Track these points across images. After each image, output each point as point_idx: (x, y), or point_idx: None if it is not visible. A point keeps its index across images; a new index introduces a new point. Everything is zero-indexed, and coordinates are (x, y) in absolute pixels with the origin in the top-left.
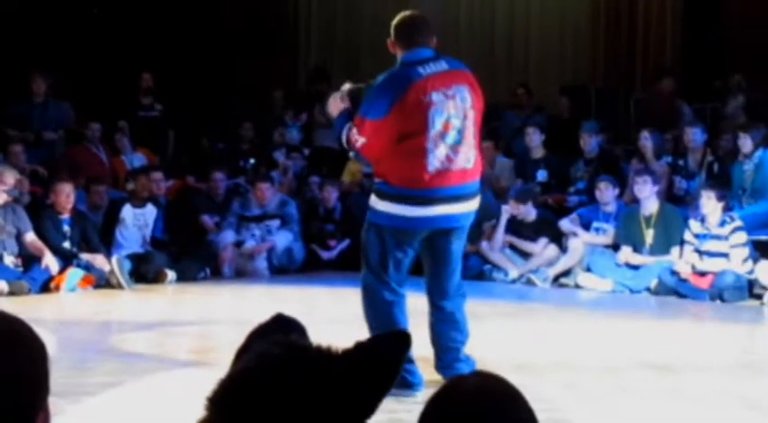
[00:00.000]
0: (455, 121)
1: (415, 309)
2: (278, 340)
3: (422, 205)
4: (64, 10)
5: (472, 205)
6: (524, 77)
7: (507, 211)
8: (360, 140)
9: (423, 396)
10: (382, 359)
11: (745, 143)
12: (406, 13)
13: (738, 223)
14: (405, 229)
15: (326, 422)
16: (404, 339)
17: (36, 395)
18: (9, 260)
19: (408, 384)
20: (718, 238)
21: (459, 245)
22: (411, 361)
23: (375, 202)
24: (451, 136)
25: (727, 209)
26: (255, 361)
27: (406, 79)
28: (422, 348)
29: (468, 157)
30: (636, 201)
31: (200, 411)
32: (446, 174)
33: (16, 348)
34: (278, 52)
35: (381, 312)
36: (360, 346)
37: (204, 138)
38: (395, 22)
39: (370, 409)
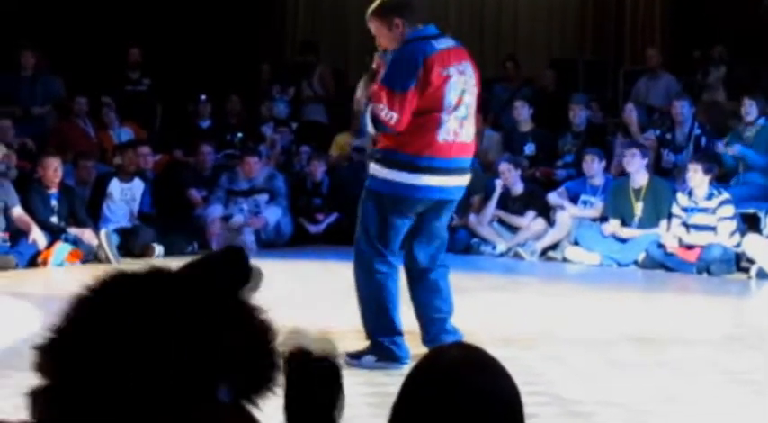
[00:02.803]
0: (466, 97)
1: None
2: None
3: (425, 174)
4: None
5: (466, 180)
6: (513, 50)
7: (500, 184)
8: (393, 116)
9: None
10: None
11: (751, 110)
12: None
13: (726, 196)
14: (405, 198)
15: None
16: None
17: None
18: None
19: (395, 357)
20: (705, 211)
21: (447, 218)
22: (399, 334)
23: (378, 170)
24: (461, 110)
25: (714, 181)
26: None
27: (429, 51)
28: (410, 323)
29: (470, 133)
30: (623, 173)
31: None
32: (451, 146)
33: None
34: (265, 24)
35: (373, 282)
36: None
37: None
38: (391, 2)
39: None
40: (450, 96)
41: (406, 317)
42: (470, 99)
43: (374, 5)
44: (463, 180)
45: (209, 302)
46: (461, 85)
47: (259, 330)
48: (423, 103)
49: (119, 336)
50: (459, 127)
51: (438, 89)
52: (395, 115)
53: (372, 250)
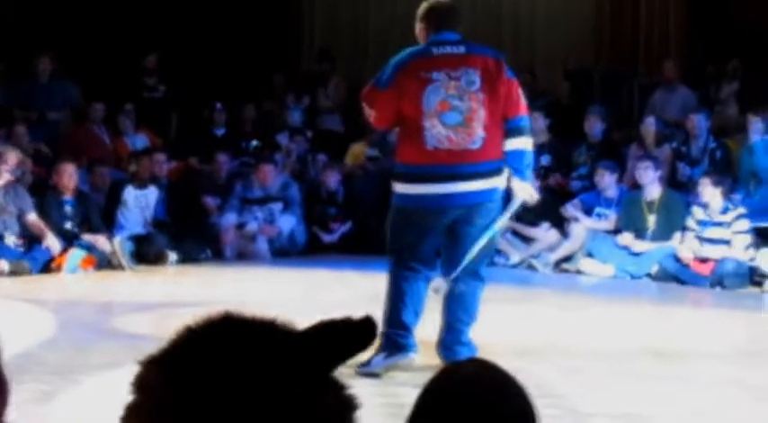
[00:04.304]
0: (454, 102)
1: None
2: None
3: (423, 183)
4: None
5: (480, 185)
6: (529, 62)
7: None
8: (371, 113)
9: (423, 379)
10: (339, 348)
11: (756, 127)
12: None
13: (741, 211)
14: (409, 208)
15: (269, 396)
16: (367, 330)
17: None
18: (11, 240)
19: (401, 346)
20: (720, 224)
21: (470, 227)
22: (405, 328)
23: (393, 184)
24: (451, 116)
25: (729, 194)
26: (190, 334)
27: (414, 54)
28: (425, 332)
29: (474, 140)
30: (637, 185)
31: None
32: (447, 154)
33: None
34: (281, 33)
35: (390, 282)
36: (320, 327)
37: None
38: (422, 8)
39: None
40: (430, 100)
41: (420, 331)
42: (466, 105)
43: None
44: (476, 185)
45: (314, 376)
46: (447, 90)
47: (345, 406)
48: (404, 106)
49: (219, 382)
50: (453, 134)
51: (417, 91)
52: (372, 113)
53: (392, 257)
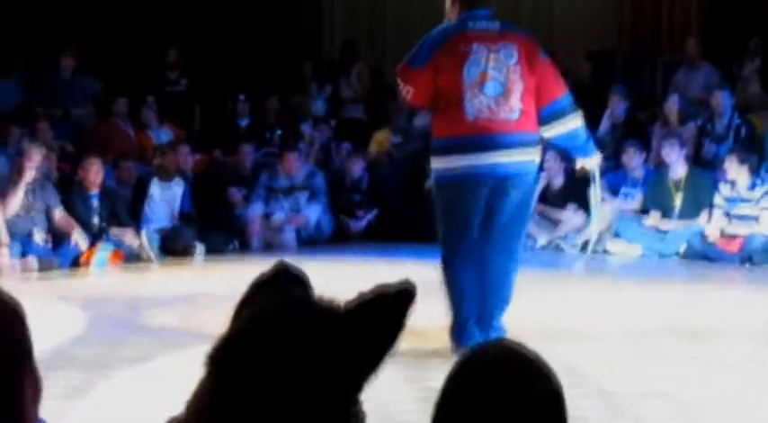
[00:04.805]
0: (494, 73)
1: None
2: (277, 294)
3: (463, 153)
4: None
5: (517, 157)
6: (549, 43)
7: (543, 177)
8: (408, 90)
9: (451, 362)
10: (384, 313)
11: None
12: None
13: None
14: (454, 183)
15: (329, 376)
16: (407, 292)
17: (15, 361)
18: (39, 237)
19: (455, 340)
20: (748, 201)
21: (505, 199)
22: (462, 321)
23: (431, 161)
24: (492, 87)
25: (754, 171)
26: (254, 317)
27: (451, 30)
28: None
29: (513, 109)
30: (662, 164)
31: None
32: (488, 123)
33: None
34: (302, 23)
35: (447, 270)
36: (362, 299)
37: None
38: None
39: (375, 363)
40: (471, 72)
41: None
42: (506, 76)
43: None
44: (517, 156)
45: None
46: (488, 62)
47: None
48: (443, 80)
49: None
50: (494, 104)
51: (457, 64)
52: (409, 89)
53: (443, 239)
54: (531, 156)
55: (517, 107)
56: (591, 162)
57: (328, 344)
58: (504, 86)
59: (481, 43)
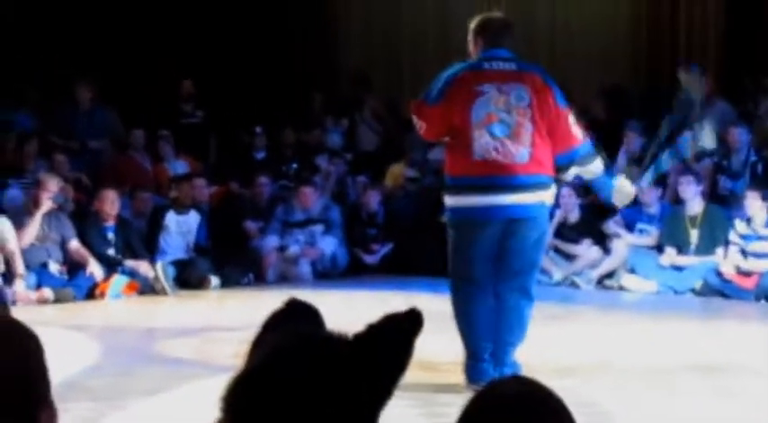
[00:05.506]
0: (501, 115)
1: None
2: (287, 331)
3: (470, 194)
4: (107, 18)
5: (525, 198)
6: (566, 79)
7: (559, 213)
8: (421, 125)
9: (465, 397)
10: (393, 340)
11: None
12: (490, 14)
13: None
14: (463, 221)
15: (343, 407)
16: (414, 319)
17: (32, 391)
18: (54, 267)
19: (468, 377)
20: (764, 238)
21: (518, 241)
22: (474, 356)
23: (444, 198)
24: (498, 128)
25: None
26: (266, 357)
27: (466, 69)
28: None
29: (522, 154)
30: (679, 201)
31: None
32: (495, 164)
33: (4, 346)
34: (317, 55)
35: (454, 304)
36: (370, 329)
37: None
38: (478, 22)
39: (386, 390)
40: (479, 112)
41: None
42: (512, 119)
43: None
44: (519, 198)
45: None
46: (496, 104)
47: None
48: (453, 118)
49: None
50: (500, 145)
51: (467, 103)
52: (423, 125)
53: (452, 275)
54: (542, 198)
55: (526, 149)
56: (621, 198)
57: (340, 376)
58: (510, 129)
59: (493, 83)
